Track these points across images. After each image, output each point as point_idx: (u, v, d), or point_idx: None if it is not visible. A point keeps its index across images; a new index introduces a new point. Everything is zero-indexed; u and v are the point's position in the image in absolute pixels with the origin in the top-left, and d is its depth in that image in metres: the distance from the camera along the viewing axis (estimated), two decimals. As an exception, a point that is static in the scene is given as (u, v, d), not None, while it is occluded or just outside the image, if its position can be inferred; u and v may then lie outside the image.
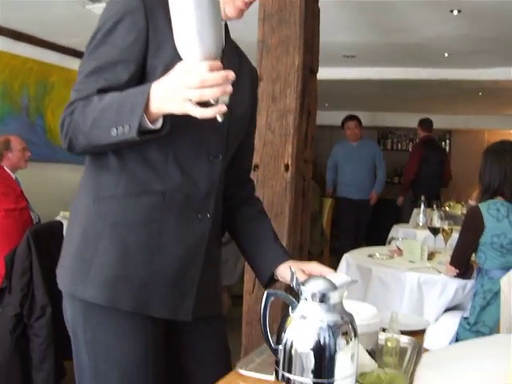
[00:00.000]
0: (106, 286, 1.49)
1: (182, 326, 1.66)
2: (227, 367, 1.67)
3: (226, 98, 1.31)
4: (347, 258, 3.85)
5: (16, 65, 6.04)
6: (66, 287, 1.57)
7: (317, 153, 9.44)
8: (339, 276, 1.32)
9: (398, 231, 5.48)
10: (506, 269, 3.06)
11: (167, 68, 1.34)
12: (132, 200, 1.52)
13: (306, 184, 2.91)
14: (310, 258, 5.95)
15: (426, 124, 8.01)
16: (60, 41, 6.34)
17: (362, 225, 7.61)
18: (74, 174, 6.64)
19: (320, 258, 6.92)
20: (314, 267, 1.62)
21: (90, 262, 1.50)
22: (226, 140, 1.63)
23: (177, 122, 1.38)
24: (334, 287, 1.21)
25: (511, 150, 3.26)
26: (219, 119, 1.31)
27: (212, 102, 1.28)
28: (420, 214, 5.40)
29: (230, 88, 1.28)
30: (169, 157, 1.53)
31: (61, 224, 3.47)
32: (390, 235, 5.50)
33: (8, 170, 4.35)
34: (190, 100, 1.28)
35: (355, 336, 1.23)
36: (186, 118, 1.32)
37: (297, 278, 1.23)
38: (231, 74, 1.27)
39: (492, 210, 3.16)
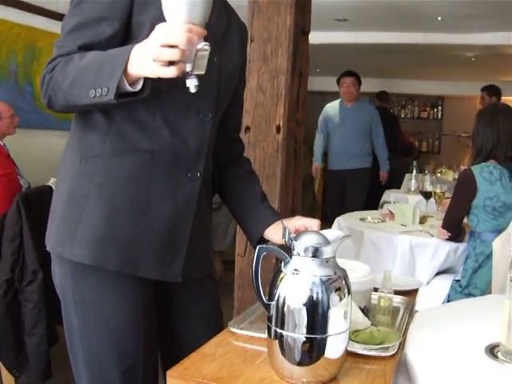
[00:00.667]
0: (93, 246, 1.48)
1: (174, 287, 1.64)
2: (219, 328, 1.66)
3: (203, 62, 1.28)
4: (339, 222, 3.85)
5: (3, 30, 5.92)
6: (53, 248, 1.56)
7: (308, 120, 9.38)
8: (332, 231, 1.31)
9: (389, 196, 5.47)
10: (498, 231, 3.06)
11: (154, 24, 1.29)
12: (119, 159, 1.49)
13: (297, 146, 2.89)
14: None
15: (381, 95, 8.91)
16: (48, 5, 6.23)
17: (354, 197, 6.46)
18: (64, 140, 6.58)
19: (311, 224, 6.90)
20: (297, 221, 1.65)
21: (78, 222, 1.48)
22: (216, 97, 1.60)
23: (165, 81, 1.32)
24: (327, 242, 1.20)
25: (504, 112, 3.24)
26: (191, 90, 1.28)
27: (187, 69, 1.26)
28: (412, 180, 5.38)
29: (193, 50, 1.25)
30: (157, 116, 1.50)
31: (51, 189, 3.43)
32: (382, 199, 5.50)
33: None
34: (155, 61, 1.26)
35: (349, 292, 1.22)
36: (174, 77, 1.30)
37: (289, 233, 1.21)
38: (195, 37, 1.24)
39: (485, 173, 3.15)
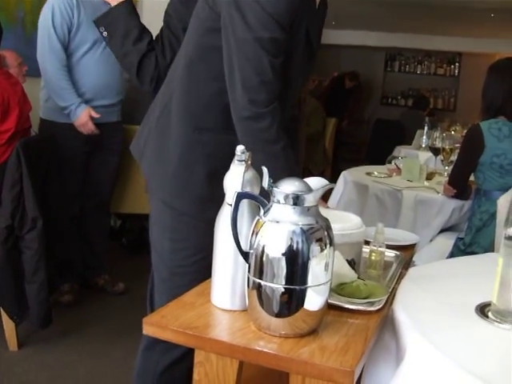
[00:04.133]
0: (196, 202, 1.76)
1: None
2: None
3: None
4: (345, 175, 3.78)
5: (12, -25, 5.82)
6: (164, 198, 1.82)
7: (323, 73, 9.27)
8: (316, 179, 1.26)
9: (400, 152, 5.39)
10: (504, 190, 2.98)
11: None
12: (228, 136, 1.67)
13: (300, 97, 2.81)
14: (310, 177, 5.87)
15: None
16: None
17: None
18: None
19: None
20: None
21: (187, 181, 1.75)
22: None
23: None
24: (309, 189, 1.15)
25: (516, 67, 3.14)
26: None
27: None
28: (423, 136, 5.30)
29: None
30: None
31: (51, 138, 3.41)
32: (391, 155, 5.41)
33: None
34: None
35: (331, 244, 1.17)
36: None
37: (269, 179, 1.16)
38: None
39: (493, 130, 3.06)
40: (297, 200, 1.14)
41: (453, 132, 6.37)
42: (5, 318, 3.05)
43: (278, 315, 1.16)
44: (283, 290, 1.15)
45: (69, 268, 3.68)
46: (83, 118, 3.50)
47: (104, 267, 3.98)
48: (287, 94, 1.74)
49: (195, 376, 1.25)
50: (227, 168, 1.58)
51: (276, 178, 1.47)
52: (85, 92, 3.58)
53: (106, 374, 2.90)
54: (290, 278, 1.14)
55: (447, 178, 3.32)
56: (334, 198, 3.67)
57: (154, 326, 1.21)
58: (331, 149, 7.29)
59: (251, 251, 1.17)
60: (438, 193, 3.36)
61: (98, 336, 3.29)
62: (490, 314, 1.34)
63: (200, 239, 1.75)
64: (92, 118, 3.51)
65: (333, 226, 1.21)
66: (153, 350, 1.86)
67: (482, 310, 1.37)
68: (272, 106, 1.59)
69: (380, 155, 6.45)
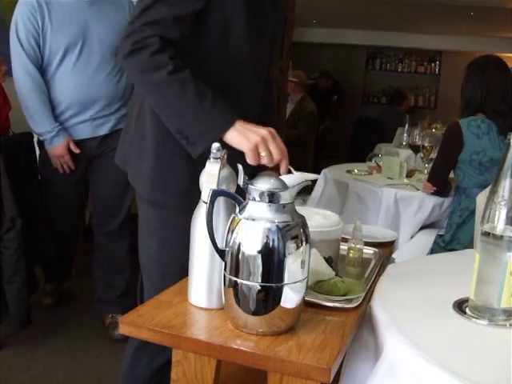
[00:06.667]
0: (180, 196, 1.73)
1: None
2: None
3: None
4: (325, 173, 3.78)
5: (-11, -28, 5.76)
6: (147, 195, 1.80)
7: (305, 71, 9.27)
8: (292, 176, 1.26)
9: (381, 150, 5.41)
10: (483, 187, 3.00)
11: None
12: None
13: (281, 94, 2.81)
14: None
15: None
16: None
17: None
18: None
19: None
20: None
21: (167, 175, 1.73)
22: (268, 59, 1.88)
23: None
24: (285, 186, 1.14)
25: (495, 64, 3.15)
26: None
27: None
28: (404, 134, 5.32)
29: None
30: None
31: (31, 136, 3.38)
32: (372, 152, 5.43)
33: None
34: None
35: (307, 241, 1.17)
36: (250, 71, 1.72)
37: (245, 176, 1.16)
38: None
39: (472, 127, 3.07)
40: (272, 197, 1.14)
41: (433, 130, 6.39)
42: (-16, 319, 3.02)
43: (254, 313, 1.16)
44: (259, 287, 1.14)
45: (50, 269, 3.65)
46: (60, 149, 3.12)
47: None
48: (234, 69, 1.72)
49: (173, 375, 1.25)
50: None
51: (179, 109, 1.47)
52: (67, 108, 3.14)
53: (86, 376, 2.88)
54: (266, 276, 1.14)
55: (427, 176, 3.33)
56: (314, 196, 3.68)
57: (130, 325, 1.20)
58: (311, 154, 7.20)
59: (227, 249, 1.17)
60: (418, 190, 3.37)
61: (78, 337, 3.27)
62: (467, 310, 1.34)
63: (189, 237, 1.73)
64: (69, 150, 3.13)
65: (310, 223, 1.21)
66: (143, 352, 1.83)
67: (460, 306, 1.37)
68: (149, 40, 1.53)
69: (361, 153, 6.47)
